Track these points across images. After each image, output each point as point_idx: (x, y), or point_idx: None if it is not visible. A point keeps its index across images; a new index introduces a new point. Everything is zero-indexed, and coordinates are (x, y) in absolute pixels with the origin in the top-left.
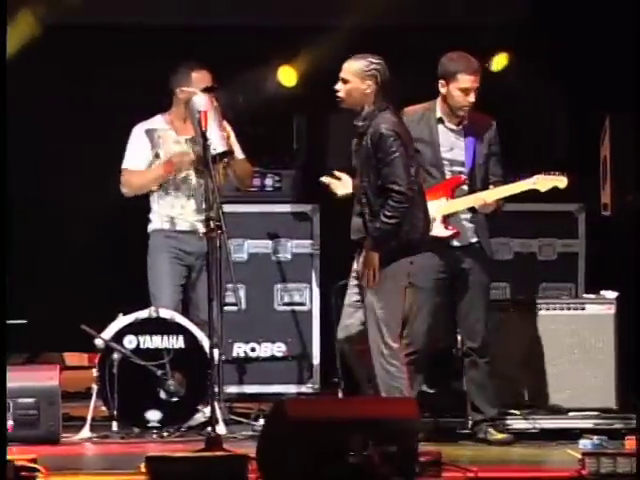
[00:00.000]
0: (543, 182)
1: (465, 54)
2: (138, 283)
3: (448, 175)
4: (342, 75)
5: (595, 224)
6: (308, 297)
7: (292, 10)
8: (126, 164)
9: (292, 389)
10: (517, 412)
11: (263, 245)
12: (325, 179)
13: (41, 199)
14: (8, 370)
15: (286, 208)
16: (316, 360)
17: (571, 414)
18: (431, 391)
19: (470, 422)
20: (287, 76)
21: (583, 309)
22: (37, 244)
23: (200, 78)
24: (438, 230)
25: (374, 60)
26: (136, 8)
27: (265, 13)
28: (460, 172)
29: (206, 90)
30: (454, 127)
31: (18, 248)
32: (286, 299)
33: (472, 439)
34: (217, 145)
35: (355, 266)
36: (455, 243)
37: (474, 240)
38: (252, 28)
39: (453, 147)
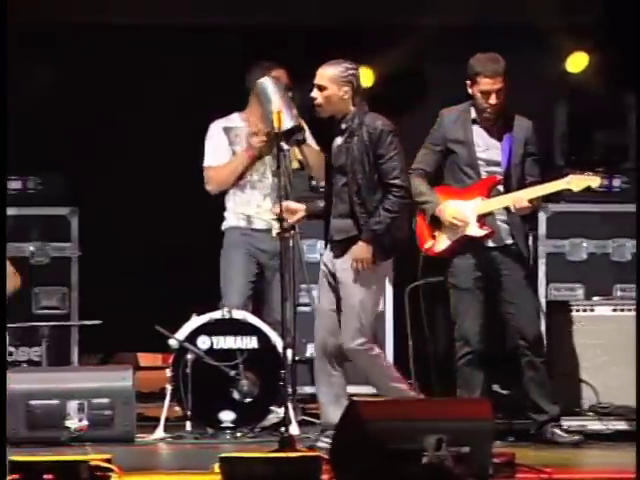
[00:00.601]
0: (577, 182)
1: (491, 55)
2: (212, 283)
3: (484, 175)
4: (318, 82)
5: None
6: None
7: (370, 10)
8: (208, 161)
9: (365, 390)
10: (591, 414)
11: None
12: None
13: (113, 199)
14: (83, 370)
15: None
16: (389, 360)
17: None
18: (504, 392)
19: (535, 424)
20: (365, 77)
21: None
22: (110, 245)
23: (277, 77)
24: (473, 230)
25: (349, 66)
26: (218, 9)
27: (343, 14)
28: (496, 172)
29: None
30: (489, 127)
31: (91, 249)
32: None
33: (540, 440)
34: (287, 122)
35: (325, 268)
36: (490, 244)
37: (510, 242)
38: (330, 29)
39: (489, 147)
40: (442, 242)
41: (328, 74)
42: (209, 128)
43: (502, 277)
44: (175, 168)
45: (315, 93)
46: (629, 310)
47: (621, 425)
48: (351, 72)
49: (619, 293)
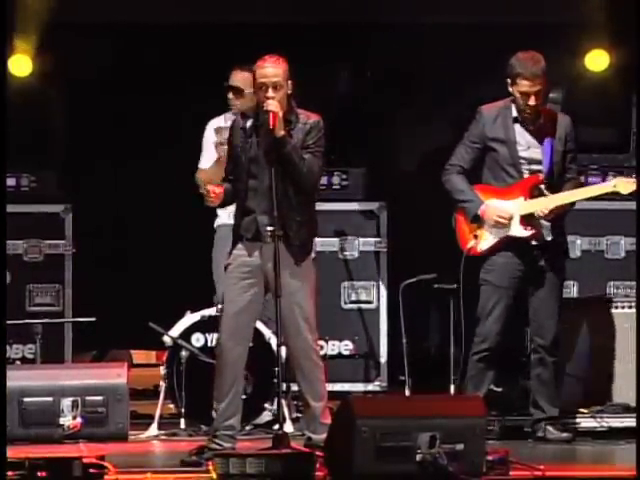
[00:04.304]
0: (624, 185)
1: (532, 55)
2: (206, 281)
3: (526, 174)
4: (276, 80)
5: None
6: (375, 295)
7: (362, 8)
8: (200, 164)
9: (359, 387)
10: (586, 410)
11: (330, 243)
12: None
13: (106, 196)
14: (76, 368)
15: (353, 206)
16: (383, 358)
17: None
18: (498, 389)
19: (531, 421)
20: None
21: None
22: (104, 242)
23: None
24: (517, 230)
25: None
26: (205, 8)
27: (334, 12)
28: (538, 170)
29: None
30: (530, 126)
31: (84, 246)
32: (353, 297)
33: (532, 438)
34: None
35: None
36: (533, 242)
37: (549, 238)
38: (322, 26)
39: (530, 146)
40: (485, 241)
41: (282, 71)
42: (206, 127)
43: (540, 274)
44: (169, 166)
45: (273, 93)
46: (622, 307)
47: (615, 422)
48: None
49: (613, 290)
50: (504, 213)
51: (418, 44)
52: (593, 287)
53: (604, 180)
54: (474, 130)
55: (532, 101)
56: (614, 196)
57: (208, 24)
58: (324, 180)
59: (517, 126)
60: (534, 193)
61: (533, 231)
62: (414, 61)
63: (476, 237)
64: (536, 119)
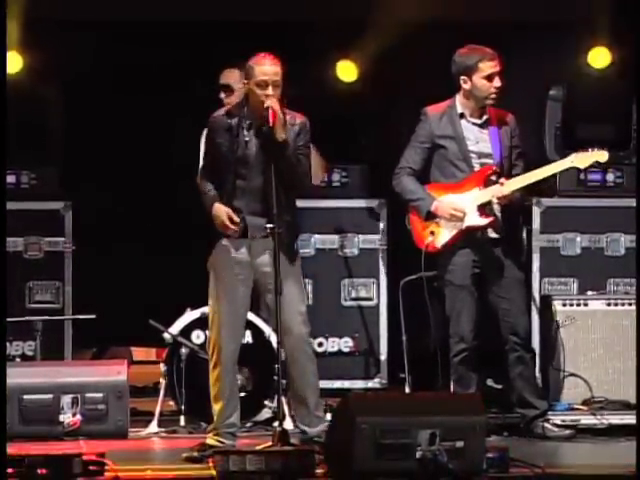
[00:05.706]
0: (582, 159)
1: (475, 45)
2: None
3: (477, 167)
4: (276, 78)
5: None
6: (375, 292)
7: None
8: (201, 163)
9: (359, 384)
10: (585, 408)
11: (330, 240)
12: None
13: (106, 193)
14: (76, 365)
15: (353, 203)
16: (383, 355)
17: None
18: (498, 387)
19: (524, 419)
20: (346, 71)
21: None
22: (104, 239)
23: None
24: (474, 219)
25: None
26: (197, 6)
27: (332, 10)
28: (488, 164)
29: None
30: (476, 121)
31: (84, 243)
32: (353, 294)
33: (531, 435)
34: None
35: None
36: (492, 234)
37: (504, 234)
38: (320, 25)
39: (478, 140)
40: (442, 236)
41: (280, 70)
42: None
43: (497, 272)
44: (170, 163)
45: (272, 91)
46: (622, 304)
47: (615, 419)
48: None
49: (613, 287)
50: (458, 207)
51: (419, 43)
52: (593, 284)
53: (604, 177)
54: (421, 131)
55: (498, 82)
56: (611, 194)
57: (206, 23)
58: (324, 177)
59: (464, 122)
60: (489, 183)
61: (490, 219)
62: (415, 60)
63: (432, 233)
64: (483, 114)
